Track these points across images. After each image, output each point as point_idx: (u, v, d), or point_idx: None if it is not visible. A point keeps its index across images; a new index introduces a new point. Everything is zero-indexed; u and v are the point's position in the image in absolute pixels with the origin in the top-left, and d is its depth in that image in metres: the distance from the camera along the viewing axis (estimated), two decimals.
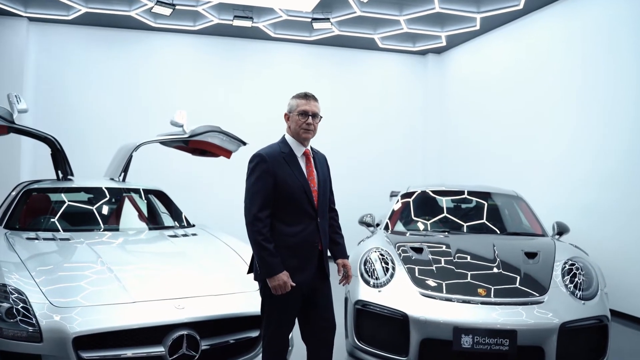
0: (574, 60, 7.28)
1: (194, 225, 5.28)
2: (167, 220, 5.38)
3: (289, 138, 3.24)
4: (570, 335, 3.78)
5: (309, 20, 8.90)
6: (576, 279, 4.16)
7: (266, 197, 3.06)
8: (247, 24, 8.74)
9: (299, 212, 3.10)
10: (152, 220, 5.34)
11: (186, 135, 5.67)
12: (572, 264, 4.31)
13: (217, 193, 9.90)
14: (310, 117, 3.17)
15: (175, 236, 4.60)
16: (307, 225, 3.10)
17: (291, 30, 9.86)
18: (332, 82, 10.61)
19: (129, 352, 2.98)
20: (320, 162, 3.32)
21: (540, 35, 8.00)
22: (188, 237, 4.62)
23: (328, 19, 8.66)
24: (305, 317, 3.17)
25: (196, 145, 5.90)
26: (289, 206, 3.08)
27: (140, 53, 9.77)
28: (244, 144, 5.92)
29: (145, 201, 5.58)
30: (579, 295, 4.04)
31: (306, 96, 3.22)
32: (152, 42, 9.79)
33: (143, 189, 5.59)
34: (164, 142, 6.08)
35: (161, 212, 5.58)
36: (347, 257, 3.38)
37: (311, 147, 3.31)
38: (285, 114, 3.25)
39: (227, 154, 6.03)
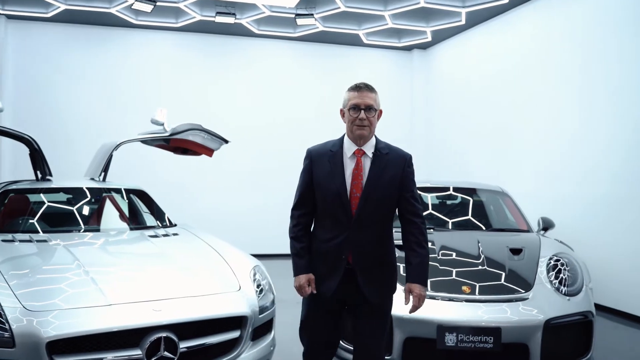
0: (559, 54, 7.28)
1: (175, 225, 5.20)
2: (149, 220, 5.30)
3: (346, 136, 2.94)
4: (555, 331, 3.76)
5: (293, 16, 8.84)
6: (561, 275, 4.15)
7: (302, 195, 2.98)
8: (229, 20, 8.66)
9: (332, 218, 2.84)
10: (134, 220, 5.26)
11: (167, 134, 5.58)
12: (557, 260, 4.30)
13: (199, 192, 9.85)
14: (362, 112, 2.81)
15: (155, 236, 4.53)
16: (338, 233, 2.81)
17: (275, 27, 9.80)
18: (317, 78, 10.56)
19: (105, 356, 2.90)
20: (388, 164, 2.85)
21: (526, 30, 8.00)
22: (169, 237, 4.55)
23: (312, 14, 8.61)
24: (353, 328, 2.94)
25: (177, 144, 5.82)
26: (324, 210, 2.88)
27: (121, 51, 9.67)
28: (226, 142, 5.85)
29: (127, 201, 5.50)
30: (564, 291, 4.03)
31: (358, 88, 2.87)
32: (133, 39, 9.70)
33: (124, 189, 5.50)
34: (145, 141, 5.99)
35: (143, 211, 5.49)
36: (420, 281, 2.81)
37: (379, 147, 2.91)
38: (340, 110, 2.96)
39: (209, 152, 5.95)
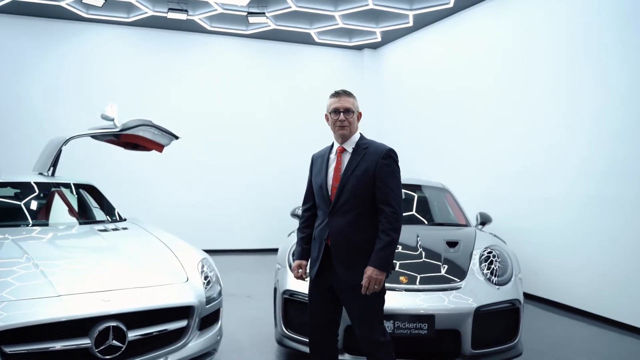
0: (501, 56, 7.64)
1: (125, 220, 5.28)
2: (99, 214, 5.35)
3: (333, 138, 3.33)
4: (485, 318, 4.01)
5: (245, 14, 8.94)
6: (492, 266, 4.40)
7: (306, 193, 3.42)
8: (182, 16, 8.70)
9: (320, 208, 3.26)
10: (83, 215, 5.29)
11: (117, 129, 5.62)
12: (490, 252, 4.56)
13: (149, 187, 9.84)
14: (342, 114, 3.19)
15: (105, 230, 4.60)
16: (323, 220, 3.21)
17: (227, 24, 9.88)
18: (269, 76, 10.70)
19: (55, 345, 2.99)
20: (365, 157, 3.16)
21: (469, 32, 8.35)
22: (118, 231, 4.62)
23: (263, 13, 8.73)
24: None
25: (128, 139, 5.86)
26: (317, 202, 3.30)
27: (72, 44, 9.56)
28: (176, 138, 5.93)
29: (76, 196, 5.52)
30: (494, 280, 4.28)
31: (337, 94, 3.25)
32: (84, 33, 9.61)
33: (73, 184, 5.52)
34: (95, 136, 6.01)
35: (92, 206, 5.53)
36: (377, 265, 2.99)
37: (359, 143, 3.24)
38: (325, 115, 3.32)
39: (160, 148, 6.02)
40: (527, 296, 6.76)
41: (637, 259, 5.57)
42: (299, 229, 3.43)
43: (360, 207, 3.11)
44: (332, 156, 3.28)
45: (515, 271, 4.48)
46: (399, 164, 3.21)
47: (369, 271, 2.99)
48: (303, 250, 3.36)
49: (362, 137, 3.31)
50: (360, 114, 3.30)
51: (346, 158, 3.21)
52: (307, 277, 3.33)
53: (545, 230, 6.75)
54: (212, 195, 10.25)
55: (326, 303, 3.22)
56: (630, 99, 5.73)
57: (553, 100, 6.71)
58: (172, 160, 9.40)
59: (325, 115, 3.31)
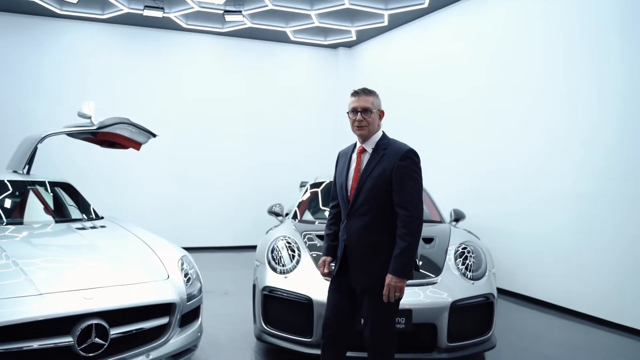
0: (475, 55, 7.79)
1: (102, 218, 5.27)
2: (75, 212, 5.33)
3: None
4: (460, 311, 4.13)
5: (221, 12, 8.94)
6: (467, 261, 4.52)
7: (333, 189, 3.38)
8: (158, 14, 8.65)
9: (341, 207, 3.24)
10: (59, 213, 5.26)
11: (94, 127, 5.59)
12: (464, 248, 4.68)
13: (126, 185, 9.79)
14: (359, 114, 3.11)
15: (83, 229, 4.59)
16: (343, 221, 3.19)
17: (203, 22, 9.86)
18: (244, 73, 10.71)
19: (37, 344, 2.99)
20: (384, 158, 3.09)
21: (443, 33, 8.49)
22: (96, 230, 4.62)
23: (240, 11, 8.74)
24: None
25: (105, 137, 5.84)
26: (339, 201, 3.27)
27: (45, 41, 9.45)
28: (154, 135, 5.93)
29: (52, 194, 5.49)
30: (469, 275, 4.40)
31: (356, 93, 3.16)
32: (58, 29, 9.50)
33: (49, 182, 5.49)
34: (71, 134, 5.97)
35: (68, 204, 5.50)
36: (395, 272, 2.93)
37: (380, 143, 3.16)
38: (348, 114, 3.23)
39: (137, 145, 6.00)
40: (501, 291, 6.94)
41: (606, 256, 5.76)
42: (326, 225, 3.40)
43: (377, 209, 3.05)
44: (354, 156, 3.22)
45: (489, 266, 4.60)
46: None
47: (388, 279, 2.93)
48: (329, 247, 3.34)
49: (383, 136, 3.21)
50: (382, 112, 3.19)
51: (365, 158, 3.15)
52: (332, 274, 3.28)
53: (519, 229, 6.92)
54: (189, 193, 10.23)
55: (342, 300, 3.19)
56: (607, 98, 5.92)
57: (530, 99, 6.87)
58: (149, 159, 9.35)
59: (348, 114, 3.23)
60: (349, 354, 3.97)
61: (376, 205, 3.05)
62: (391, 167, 3.02)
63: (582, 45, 6.11)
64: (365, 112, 3.12)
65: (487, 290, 4.36)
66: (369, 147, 3.16)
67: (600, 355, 4.85)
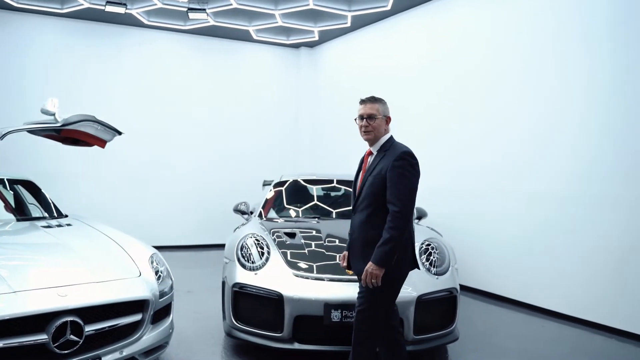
0: (437, 57, 8.00)
1: (66, 216, 5.22)
2: (38, 210, 5.26)
3: None
4: (426, 305, 4.28)
5: (185, 10, 8.90)
6: (431, 257, 4.68)
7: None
8: (120, 10, 8.54)
9: (351, 204, 3.55)
10: (20, 212, 5.19)
11: (58, 124, 5.51)
12: (428, 244, 4.82)
13: (89, 183, 9.64)
14: (365, 120, 3.41)
15: (49, 227, 4.55)
16: (352, 215, 3.52)
17: (166, 19, 9.79)
18: (206, 71, 10.68)
19: (12, 342, 2.98)
20: (383, 159, 3.35)
21: (404, 35, 8.69)
22: (63, 228, 4.58)
23: (204, 9, 8.72)
24: None
25: (68, 135, 5.75)
26: None
27: (1, 35, 9.18)
28: (120, 133, 5.86)
29: (12, 192, 5.40)
30: (433, 271, 4.55)
31: (362, 101, 3.48)
32: (14, 23, 9.25)
33: (8, 179, 5.40)
34: (32, 131, 5.86)
35: (29, 203, 5.42)
36: (374, 260, 3.19)
37: (384, 146, 3.43)
38: (355, 120, 3.54)
39: (102, 143, 5.93)
40: (463, 288, 7.16)
41: (563, 251, 6.03)
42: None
43: (374, 205, 3.32)
44: (366, 159, 3.53)
45: (452, 262, 4.77)
46: (418, 165, 3.35)
47: (367, 265, 3.21)
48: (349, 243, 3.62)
49: (389, 140, 3.46)
50: (388, 118, 3.47)
51: (371, 160, 3.46)
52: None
53: (484, 228, 7.16)
54: (151, 191, 10.14)
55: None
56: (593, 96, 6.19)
57: (501, 100, 7.10)
58: (111, 156, 9.22)
59: (355, 119, 3.55)
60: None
61: (374, 202, 3.32)
62: (387, 167, 3.27)
63: (550, 44, 6.37)
64: (370, 118, 3.41)
65: (451, 285, 4.53)
66: (375, 149, 3.46)
67: (552, 345, 5.10)
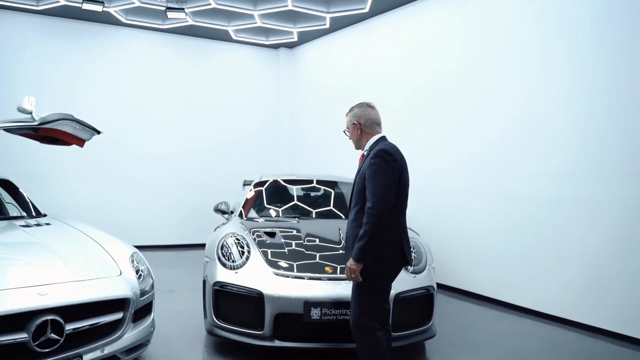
0: (415, 59, 8.10)
1: (45, 215, 5.19)
2: (16, 210, 5.22)
3: None
4: (404, 303, 4.35)
5: (163, 9, 8.87)
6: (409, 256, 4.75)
7: None
8: (97, 8, 8.47)
9: None
10: None
11: (36, 123, 5.47)
12: None
13: (68, 182, 9.55)
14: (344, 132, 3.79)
15: (27, 226, 4.52)
16: None
17: (144, 17, 9.74)
18: (185, 71, 10.65)
19: None
20: (366, 158, 3.51)
21: (383, 36, 8.78)
22: (42, 227, 4.56)
23: (183, 9, 8.70)
24: None
25: (46, 133, 5.71)
26: None
27: None
28: (98, 132, 5.84)
29: None
30: (410, 269, 4.62)
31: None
32: None
33: None
34: (9, 129, 5.80)
35: (6, 202, 5.38)
36: (352, 256, 3.35)
37: (372, 147, 3.55)
38: None
39: (80, 142, 5.89)
40: (443, 287, 7.27)
41: (538, 250, 6.17)
42: None
43: (360, 203, 3.46)
44: (360, 160, 3.69)
45: (429, 261, 4.86)
46: (390, 161, 3.41)
47: (349, 264, 3.36)
48: None
49: (377, 140, 3.60)
50: (355, 124, 3.65)
51: (362, 163, 3.61)
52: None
53: (455, 225, 7.28)
54: (132, 191, 10.07)
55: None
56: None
57: (473, 101, 7.23)
58: (91, 156, 9.15)
59: None
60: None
61: (360, 200, 3.46)
62: (368, 167, 3.41)
63: (526, 45, 6.51)
64: (346, 130, 3.79)
65: (428, 283, 4.62)
66: (365, 151, 3.63)
67: (525, 340, 5.22)
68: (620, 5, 5.41)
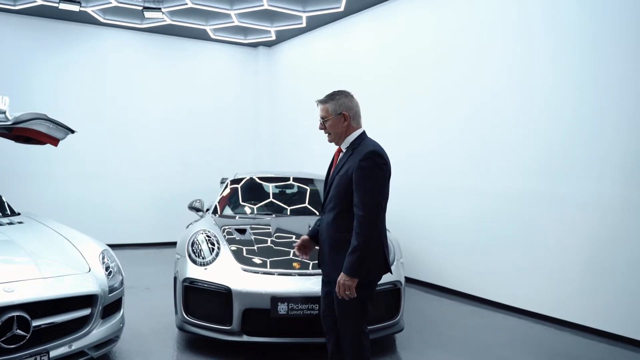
0: (389, 57, 8.20)
1: (19, 214, 5.22)
2: None
3: None
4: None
5: (141, 8, 8.89)
6: None
7: None
8: (74, 8, 8.47)
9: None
10: None
11: (9, 122, 5.50)
12: None
13: (43, 182, 9.54)
14: (319, 123, 3.30)
15: (0, 224, 4.56)
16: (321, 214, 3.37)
17: (122, 17, 9.75)
18: (163, 70, 10.67)
19: None
20: (350, 158, 3.13)
21: (357, 35, 8.89)
22: (14, 225, 4.60)
23: (159, 8, 8.73)
24: None
25: (20, 133, 5.74)
26: None
27: None
28: (72, 131, 5.88)
29: None
30: None
31: (317, 102, 3.31)
32: None
33: None
34: None
35: None
36: (345, 271, 2.97)
37: (353, 144, 3.20)
38: None
39: (55, 141, 5.93)
40: (411, 280, 7.40)
41: (509, 245, 6.30)
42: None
43: (340, 207, 3.12)
44: (336, 156, 3.35)
45: (397, 256, 4.95)
46: (385, 165, 3.13)
47: (339, 277, 2.99)
48: (313, 229, 3.50)
49: (360, 136, 3.23)
50: (344, 114, 3.20)
51: (340, 157, 3.25)
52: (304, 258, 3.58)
53: (426, 222, 7.39)
54: (111, 190, 10.08)
55: (324, 292, 3.38)
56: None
57: (440, 94, 7.34)
58: (66, 155, 9.16)
59: None
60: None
61: (340, 203, 3.13)
62: (353, 167, 3.06)
63: (499, 43, 6.63)
64: (324, 120, 3.25)
65: (396, 278, 4.71)
66: (344, 147, 3.25)
67: (496, 334, 5.34)
68: None
